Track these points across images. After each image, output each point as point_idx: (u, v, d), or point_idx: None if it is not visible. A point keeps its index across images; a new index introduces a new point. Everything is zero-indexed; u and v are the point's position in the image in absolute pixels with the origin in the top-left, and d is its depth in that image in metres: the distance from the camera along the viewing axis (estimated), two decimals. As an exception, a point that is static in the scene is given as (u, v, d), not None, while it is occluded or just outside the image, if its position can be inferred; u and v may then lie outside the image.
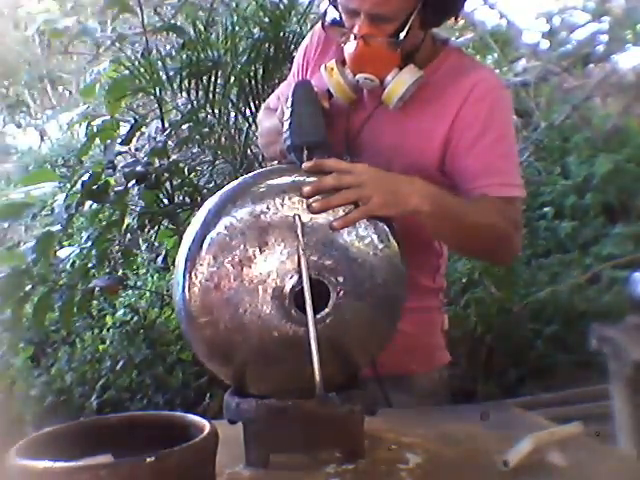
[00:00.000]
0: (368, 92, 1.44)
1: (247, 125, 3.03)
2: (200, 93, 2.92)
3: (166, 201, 2.90)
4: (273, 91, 2.97)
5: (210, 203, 1.12)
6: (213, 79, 2.90)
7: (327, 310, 1.07)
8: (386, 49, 1.33)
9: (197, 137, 3.01)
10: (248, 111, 3.01)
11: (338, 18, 1.38)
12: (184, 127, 3.07)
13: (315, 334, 1.04)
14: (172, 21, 3.15)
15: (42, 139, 8.56)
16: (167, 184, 2.86)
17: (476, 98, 1.38)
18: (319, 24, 1.49)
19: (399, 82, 1.35)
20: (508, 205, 1.36)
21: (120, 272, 3.41)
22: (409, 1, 1.30)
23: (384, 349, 1.20)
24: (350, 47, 1.34)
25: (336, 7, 1.39)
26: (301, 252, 1.05)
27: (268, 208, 1.07)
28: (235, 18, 2.97)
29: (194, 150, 3.15)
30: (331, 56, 1.44)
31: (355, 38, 1.32)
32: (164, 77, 2.86)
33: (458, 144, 1.38)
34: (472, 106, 1.37)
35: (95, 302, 3.75)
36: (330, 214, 1.09)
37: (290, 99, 1.27)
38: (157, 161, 2.78)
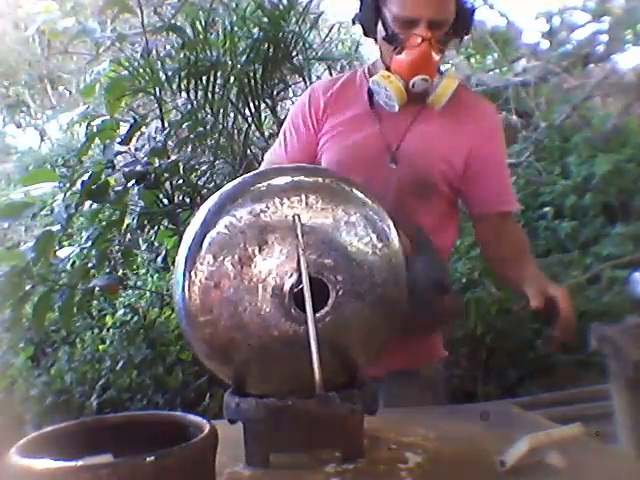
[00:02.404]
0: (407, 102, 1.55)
1: (246, 125, 3.03)
2: (199, 93, 2.92)
3: (166, 201, 2.89)
4: (272, 91, 3.01)
5: (210, 202, 1.13)
6: (212, 79, 2.90)
7: (327, 309, 1.07)
8: (438, 54, 1.49)
9: (196, 137, 3.01)
10: (247, 111, 3.01)
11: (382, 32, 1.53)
12: (184, 127, 3.07)
13: (315, 333, 1.04)
14: (172, 21, 3.14)
15: (42, 139, 8.55)
16: (167, 184, 2.86)
17: (486, 129, 1.61)
18: (309, 90, 1.68)
19: (449, 82, 1.51)
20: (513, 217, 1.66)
21: (120, 272, 3.41)
22: (453, 11, 1.49)
23: (384, 348, 1.21)
24: (411, 52, 1.47)
25: (366, 26, 1.57)
26: (300, 251, 1.05)
27: (268, 207, 1.08)
28: (234, 18, 2.97)
29: (194, 150, 3.15)
30: (352, 97, 1.60)
31: (420, 43, 1.46)
32: (163, 77, 2.86)
33: (474, 168, 1.59)
34: (484, 137, 1.60)
35: (95, 302, 3.75)
36: (330, 214, 1.10)
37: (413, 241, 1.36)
38: (157, 161, 2.78)
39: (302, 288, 1.05)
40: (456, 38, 1.58)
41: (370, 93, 1.57)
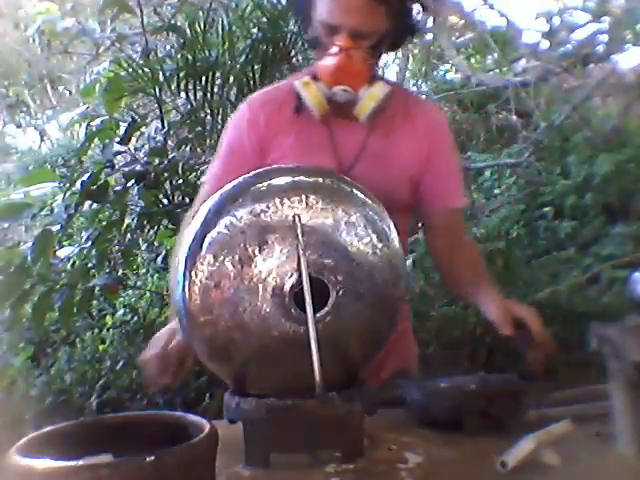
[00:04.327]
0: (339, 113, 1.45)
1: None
2: (199, 93, 2.92)
3: (165, 201, 2.90)
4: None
5: (210, 202, 1.12)
6: (211, 79, 2.90)
7: (327, 309, 1.07)
8: (362, 64, 1.40)
9: (195, 137, 3.01)
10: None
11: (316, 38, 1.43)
12: (183, 127, 3.07)
13: (315, 333, 1.04)
14: (172, 21, 3.14)
15: (42, 139, 8.56)
16: (167, 184, 2.86)
17: (437, 131, 1.55)
18: (243, 111, 1.53)
19: (372, 95, 1.42)
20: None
21: (120, 272, 3.41)
22: (383, 22, 1.40)
23: (383, 348, 1.21)
24: (331, 60, 1.39)
25: (303, 24, 1.48)
26: (301, 251, 1.05)
27: (268, 207, 1.08)
28: (233, 18, 2.97)
29: (193, 150, 3.15)
30: (287, 115, 1.48)
31: (338, 52, 1.38)
32: (163, 77, 2.87)
33: (429, 169, 1.53)
34: (435, 139, 1.54)
35: (95, 302, 3.74)
36: (330, 214, 1.10)
37: None
38: (156, 161, 2.78)
39: (302, 288, 1.05)
40: (393, 50, 1.52)
41: (299, 97, 1.45)
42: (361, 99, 1.42)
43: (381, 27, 1.40)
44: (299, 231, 1.06)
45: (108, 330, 3.79)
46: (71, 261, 2.91)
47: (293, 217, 1.07)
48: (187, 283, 1.07)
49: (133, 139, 2.93)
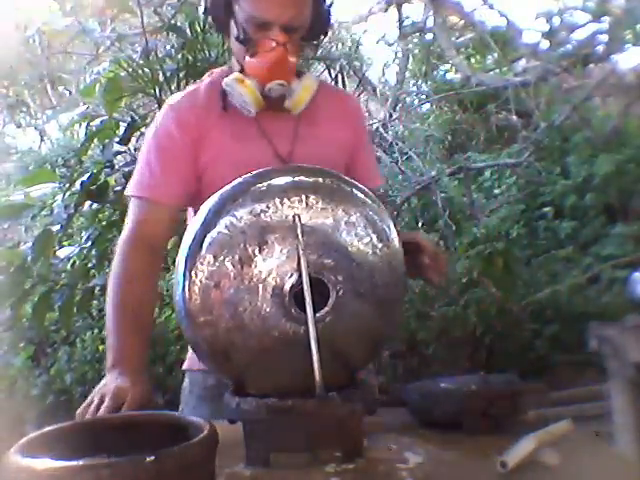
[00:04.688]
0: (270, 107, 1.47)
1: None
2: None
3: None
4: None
5: (210, 202, 1.12)
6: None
7: (327, 309, 1.07)
8: (294, 57, 1.44)
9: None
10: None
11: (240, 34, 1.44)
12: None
13: (315, 333, 1.04)
14: (172, 21, 3.14)
15: (42, 139, 8.56)
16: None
17: (357, 116, 1.65)
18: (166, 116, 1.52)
19: (306, 87, 1.47)
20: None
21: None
22: (309, 15, 1.45)
23: (383, 348, 1.21)
24: (265, 56, 1.41)
25: (218, 21, 1.49)
26: (301, 251, 1.05)
27: (268, 207, 1.08)
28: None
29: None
30: (215, 114, 1.49)
31: (274, 47, 1.40)
32: (162, 77, 2.86)
33: (355, 152, 1.60)
34: (357, 126, 1.63)
35: (95, 302, 3.74)
36: (330, 214, 1.10)
37: None
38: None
39: (302, 288, 1.05)
40: (313, 41, 1.54)
41: (224, 95, 1.47)
42: (295, 92, 1.46)
43: (307, 20, 1.44)
44: (299, 231, 1.06)
45: (108, 330, 3.78)
46: (71, 261, 2.91)
47: (293, 217, 1.07)
48: (187, 283, 1.08)
49: (133, 139, 2.93)
